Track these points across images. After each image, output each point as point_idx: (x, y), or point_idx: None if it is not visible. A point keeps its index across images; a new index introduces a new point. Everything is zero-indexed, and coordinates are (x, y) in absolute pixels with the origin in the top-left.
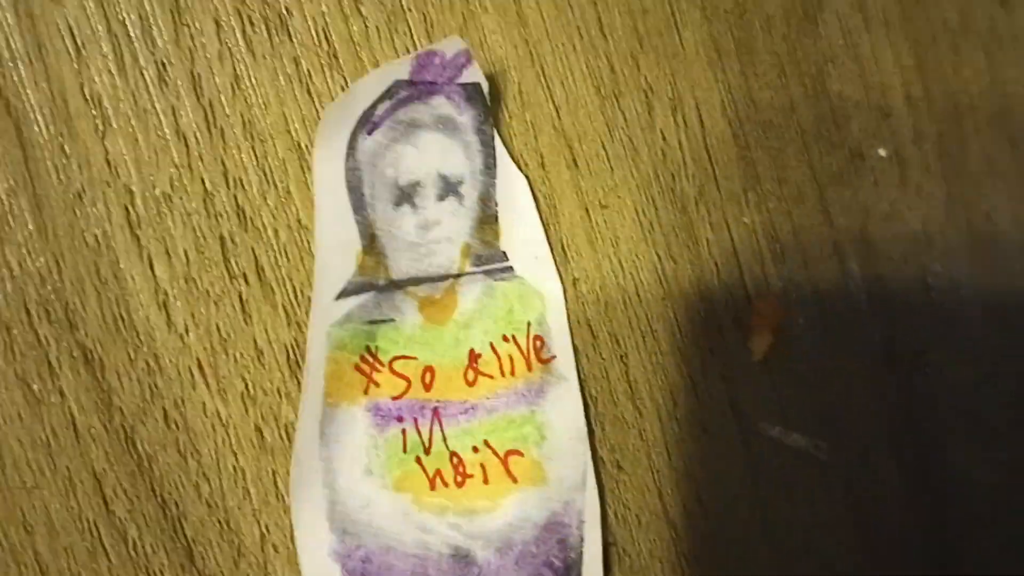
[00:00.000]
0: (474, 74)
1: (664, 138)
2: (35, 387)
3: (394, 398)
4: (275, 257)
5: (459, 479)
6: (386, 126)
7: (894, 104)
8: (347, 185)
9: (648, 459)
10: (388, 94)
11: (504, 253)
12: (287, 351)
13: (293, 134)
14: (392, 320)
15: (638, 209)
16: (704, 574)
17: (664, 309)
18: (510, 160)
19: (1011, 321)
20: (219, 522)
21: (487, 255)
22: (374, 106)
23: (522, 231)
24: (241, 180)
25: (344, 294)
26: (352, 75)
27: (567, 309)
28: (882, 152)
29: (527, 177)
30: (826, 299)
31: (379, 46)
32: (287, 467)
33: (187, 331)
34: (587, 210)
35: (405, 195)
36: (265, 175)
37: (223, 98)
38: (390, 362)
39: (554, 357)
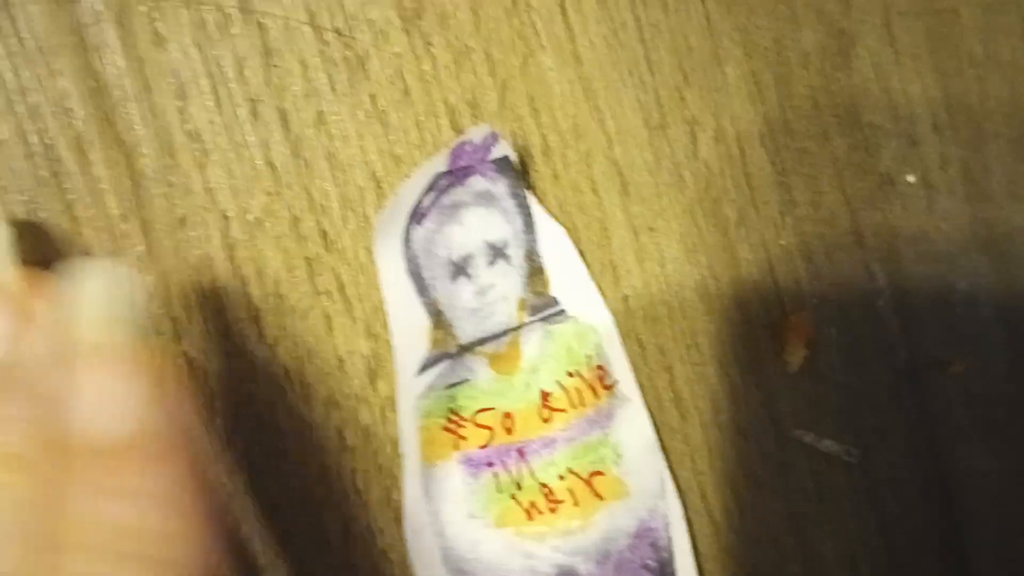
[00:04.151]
0: (502, 149)
1: (707, 166)
2: None
3: (481, 447)
4: (355, 276)
5: (552, 506)
6: (433, 213)
7: (922, 133)
8: (408, 273)
9: (692, 462)
10: (431, 187)
11: (555, 299)
12: (365, 360)
13: (370, 164)
14: (467, 380)
15: (683, 232)
16: (742, 567)
17: (707, 324)
18: (546, 214)
19: None
20: (307, 514)
21: (540, 304)
22: (420, 200)
23: (568, 275)
24: (324, 206)
25: (423, 369)
26: (423, 110)
27: (619, 327)
28: (911, 178)
29: (575, 238)
30: (856, 315)
31: (447, 83)
32: (365, 466)
33: (276, 342)
34: (636, 233)
35: (460, 269)
36: (346, 202)
37: (308, 132)
38: (472, 417)
39: (617, 381)
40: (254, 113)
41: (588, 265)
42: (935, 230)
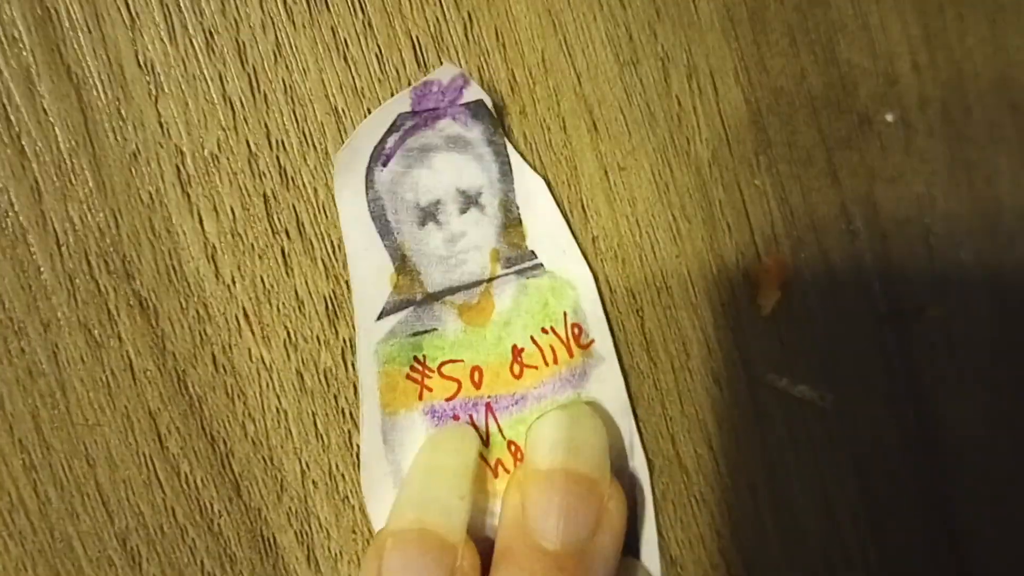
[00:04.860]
0: (474, 92)
1: (680, 103)
2: (95, 332)
3: (447, 399)
4: (314, 214)
5: (519, 464)
6: (399, 156)
7: (901, 71)
8: (371, 215)
9: (662, 407)
10: (394, 127)
11: (532, 252)
12: (325, 301)
13: (331, 99)
14: (435, 329)
15: (654, 171)
16: (713, 515)
17: (678, 266)
18: (525, 164)
19: (1006, 281)
20: (263, 459)
21: (516, 256)
22: (383, 140)
23: (546, 229)
24: (283, 142)
25: (384, 314)
26: (385, 43)
27: (599, 288)
28: (889, 117)
29: (544, 178)
30: (832, 257)
31: (410, 15)
32: (325, 409)
33: (233, 282)
34: (606, 171)
35: (428, 214)
36: (305, 137)
37: (266, 65)
38: (439, 367)
39: (592, 341)
40: (209, 45)
41: (558, 206)
42: (913, 171)
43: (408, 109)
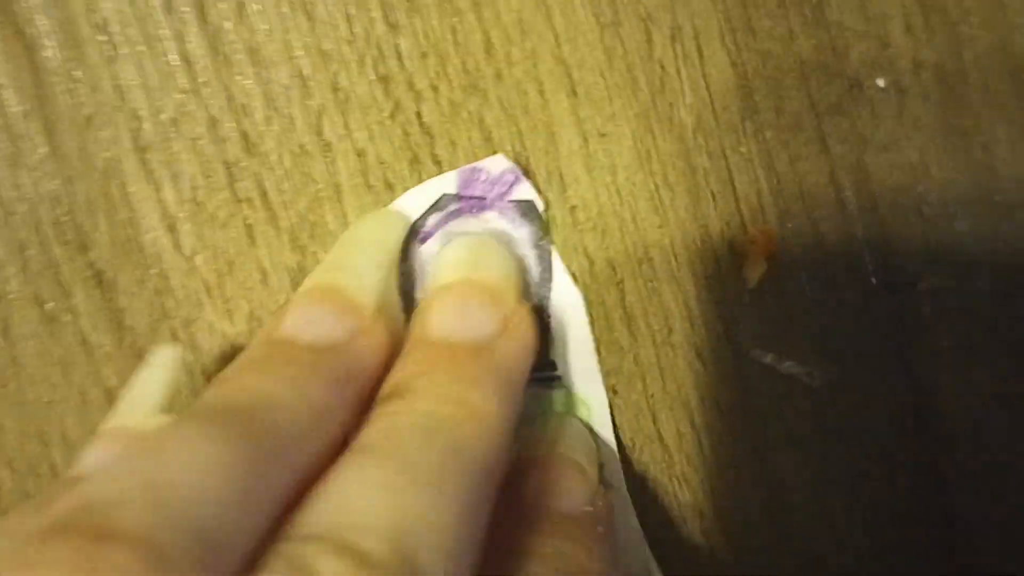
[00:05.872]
0: (526, 192)
1: (663, 67)
2: (49, 306)
3: None
4: (279, 182)
5: None
6: (438, 236)
7: (893, 34)
8: (400, 289)
9: (642, 383)
10: (436, 206)
11: (553, 362)
12: (290, 274)
13: (295, 61)
14: None
15: (636, 138)
16: (695, 495)
17: (660, 237)
18: (568, 276)
19: (1003, 252)
20: None
21: (536, 363)
22: (424, 217)
23: (572, 343)
24: (245, 106)
25: None
26: (354, 2)
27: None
28: (880, 82)
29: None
30: (821, 227)
31: None
32: None
33: (194, 253)
34: (585, 138)
35: None
36: (269, 101)
37: (228, 25)
38: None
39: (602, 465)
40: (168, 4)
41: (533, 173)
42: (906, 138)
43: (453, 191)
